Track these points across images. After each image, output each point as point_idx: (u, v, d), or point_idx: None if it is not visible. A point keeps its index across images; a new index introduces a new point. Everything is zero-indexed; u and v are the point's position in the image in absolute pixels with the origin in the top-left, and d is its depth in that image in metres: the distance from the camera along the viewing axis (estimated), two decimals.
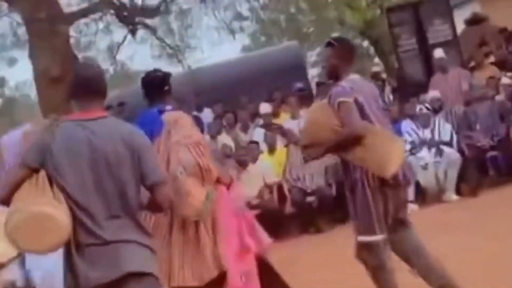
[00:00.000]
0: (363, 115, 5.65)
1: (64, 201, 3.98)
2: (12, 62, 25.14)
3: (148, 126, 5.16)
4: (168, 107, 5.77)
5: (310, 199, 11.82)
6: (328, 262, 8.74)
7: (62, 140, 4.04)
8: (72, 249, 4.01)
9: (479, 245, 7.88)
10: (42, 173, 4.04)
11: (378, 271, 5.77)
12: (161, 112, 5.72)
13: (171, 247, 5.48)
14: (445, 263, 7.16)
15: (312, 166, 11.91)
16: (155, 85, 5.80)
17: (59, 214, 3.92)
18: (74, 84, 4.20)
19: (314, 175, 11.94)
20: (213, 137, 13.00)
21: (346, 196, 5.86)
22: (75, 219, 3.98)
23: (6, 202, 4.03)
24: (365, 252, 5.76)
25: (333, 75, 5.88)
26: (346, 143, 5.57)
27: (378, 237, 5.71)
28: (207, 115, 14.66)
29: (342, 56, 5.86)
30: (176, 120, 5.71)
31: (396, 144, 5.66)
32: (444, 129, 11.97)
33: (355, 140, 5.52)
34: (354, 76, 5.92)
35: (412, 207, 11.41)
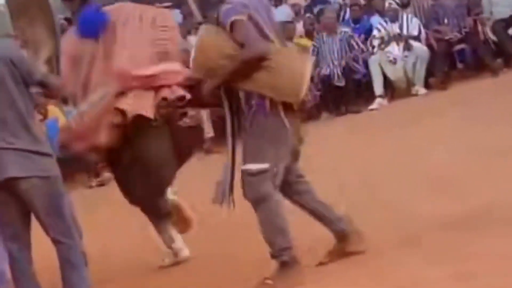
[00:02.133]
0: (260, 33, 4.82)
1: None
2: None
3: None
4: None
5: None
6: None
7: None
8: None
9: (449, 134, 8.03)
10: None
11: (261, 203, 4.77)
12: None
13: None
14: (416, 154, 7.32)
15: None
16: None
17: None
18: None
19: None
20: (184, 37, 12.95)
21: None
22: None
23: None
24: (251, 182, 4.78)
25: None
26: (247, 68, 4.74)
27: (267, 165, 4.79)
28: (176, 16, 14.57)
29: None
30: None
31: (306, 62, 4.95)
32: (412, 23, 12.01)
33: (258, 63, 4.72)
34: None
35: (381, 102, 11.63)
